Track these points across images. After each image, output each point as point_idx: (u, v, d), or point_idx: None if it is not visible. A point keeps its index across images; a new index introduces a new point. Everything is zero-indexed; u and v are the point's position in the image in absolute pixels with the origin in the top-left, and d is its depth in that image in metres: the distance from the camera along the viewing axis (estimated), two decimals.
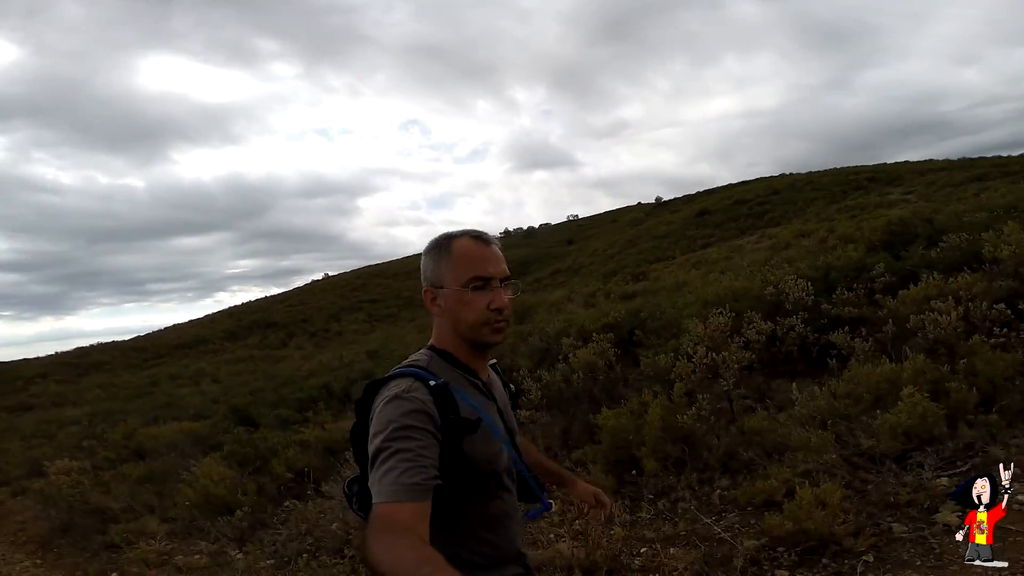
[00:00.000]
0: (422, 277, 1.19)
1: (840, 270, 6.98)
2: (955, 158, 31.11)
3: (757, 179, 42.66)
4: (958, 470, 2.70)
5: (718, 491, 3.08)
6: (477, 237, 1.17)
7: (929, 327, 3.74)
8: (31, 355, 39.26)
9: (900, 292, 5.52)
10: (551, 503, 1.25)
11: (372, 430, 1.04)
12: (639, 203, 52.79)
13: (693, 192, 45.45)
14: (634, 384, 5.62)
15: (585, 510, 1.64)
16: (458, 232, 1.18)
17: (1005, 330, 3.69)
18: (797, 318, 5.07)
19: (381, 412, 1.04)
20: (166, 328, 43.61)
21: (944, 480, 2.64)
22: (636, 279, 20.59)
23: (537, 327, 8.52)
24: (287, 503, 4.94)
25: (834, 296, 5.33)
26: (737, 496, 2.79)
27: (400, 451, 0.98)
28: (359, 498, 1.17)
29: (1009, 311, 3.97)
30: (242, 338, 32.68)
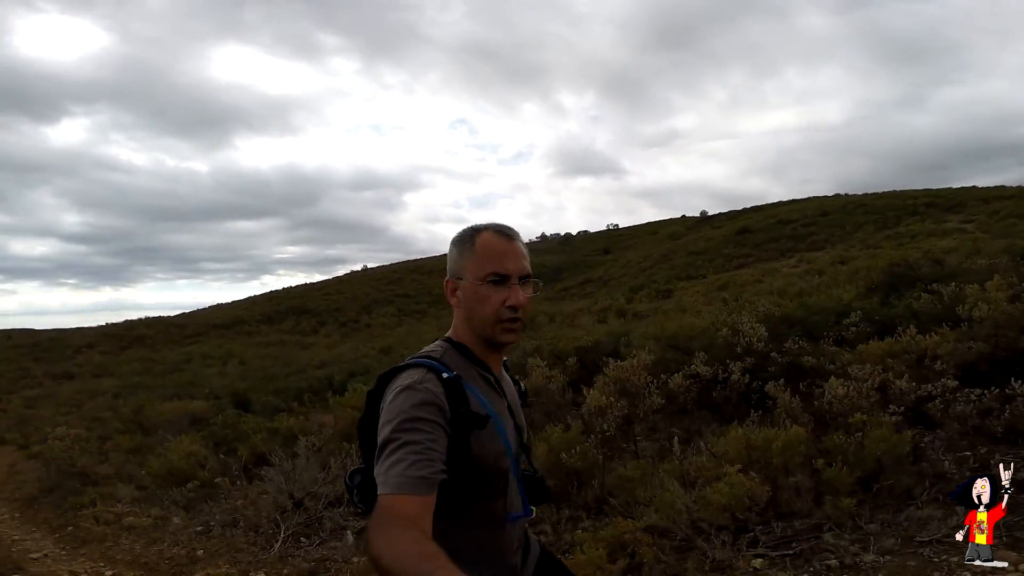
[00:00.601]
0: (448, 267, 1.20)
1: (824, 312, 6.79)
2: None
3: (808, 198, 40.90)
4: (787, 552, 2.61)
5: (580, 531, 3.16)
6: (500, 232, 1.16)
7: (828, 395, 3.67)
8: (88, 323, 42.59)
9: (860, 346, 5.35)
10: (532, 510, 1.23)
11: (382, 419, 1.04)
12: (683, 216, 51.62)
13: (739, 208, 44.12)
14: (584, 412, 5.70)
15: None
16: (484, 225, 1.18)
17: (902, 408, 3.57)
18: (739, 364, 5.02)
19: (392, 402, 1.03)
20: (209, 307, 46.22)
21: (757, 562, 2.57)
22: (661, 296, 20.22)
23: (518, 344, 8.65)
24: (216, 480, 5.32)
25: (785, 346, 5.22)
26: (580, 540, 2.88)
27: (409, 443, 0.97)
28: (360, 490, 1.15)
29: (929, 386, 3.82)
30: (277, 322, 34.30)
